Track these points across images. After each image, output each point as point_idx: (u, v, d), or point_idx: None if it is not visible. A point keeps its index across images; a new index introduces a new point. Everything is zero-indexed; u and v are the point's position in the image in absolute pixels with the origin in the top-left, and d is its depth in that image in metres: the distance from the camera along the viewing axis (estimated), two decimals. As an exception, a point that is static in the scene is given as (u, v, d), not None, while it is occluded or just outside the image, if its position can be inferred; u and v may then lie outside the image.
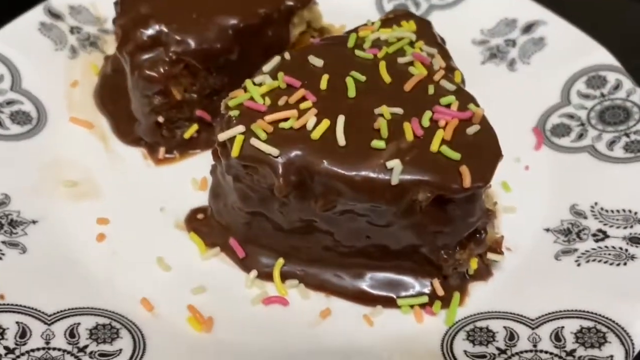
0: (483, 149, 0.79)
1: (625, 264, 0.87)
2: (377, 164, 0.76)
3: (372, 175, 0.75)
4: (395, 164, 0.75)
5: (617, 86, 1.10)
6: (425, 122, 0.80)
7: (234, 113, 0.80)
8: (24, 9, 1.17)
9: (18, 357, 0.73)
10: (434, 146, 0.77)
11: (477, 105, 0.84)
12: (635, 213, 0.93)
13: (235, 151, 0.77)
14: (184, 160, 1.05)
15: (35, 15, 1.17)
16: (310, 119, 0.78)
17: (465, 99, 0.85)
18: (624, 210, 0.95)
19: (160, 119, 1.01)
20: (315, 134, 0.78)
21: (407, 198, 0.76)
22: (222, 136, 0.78)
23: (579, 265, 0.89)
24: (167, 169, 1.03)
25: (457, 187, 0.75)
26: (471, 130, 0.80)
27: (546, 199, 1.00)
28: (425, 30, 0.98)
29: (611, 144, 1.04)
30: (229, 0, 1.01)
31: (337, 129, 0.78)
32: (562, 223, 0.96)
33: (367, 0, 1.32)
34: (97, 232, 0.93)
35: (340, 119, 0.79)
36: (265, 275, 0.89)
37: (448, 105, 0.83)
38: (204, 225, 0.93)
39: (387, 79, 0.86)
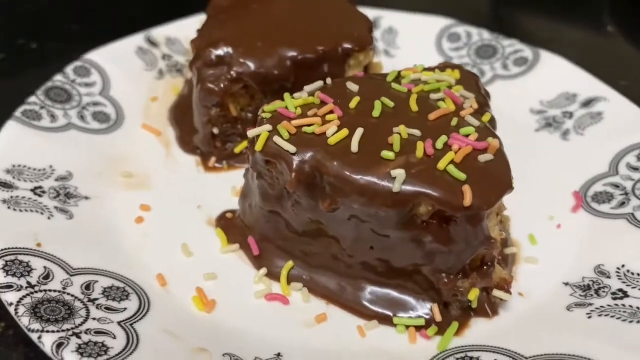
0: (491, 176, 0.81)
1: (638, 322, 0.83)
2: (382, 171, 0.80)
3: (375, 180, 0.80)
4: (399, 173, 0.79)
5: (668, 162, 1.08)
6: (439, 145, 0.84)
7: (266, 115, 0.89)
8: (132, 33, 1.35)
9: (36, 292, 0.82)
10: (442, 165, 0.81)
11: (496, 137, 0.87)
12: (662, 278, 0.90)
13: (259, 145, 0.85)
14: (230, 171, 1.14)
15: (135, 40, 1.35)
16: (331, 128, 0.85)
17: (486, 133, 0.88)
18: (650, 275, 0.91)
19: (216, 131, 1.13)
20: (332, 140, 0.84)
21: (407, 208, 0.80)
22: (251, 132, 0.87)
23: (589, 317, 0.86)
24: (213, 175, 1.13)
25: (457, 204, 0.78)
26: (483, 157, 0.83)
27: (571, 256, 0.99)
28: (469, 80, 1.03)
29: (652, 214, 1.01)
30: (294, 35, 1.12)
31: (353, 138, 0.84)
32: (583, 279, 0.94)
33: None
34: (137, 215, 1.03)
35: (359, 131, 0.85)
36: (274, 275, 0.94)
37: (467, 135, 0.86)
38: (230, 223, 1.01)
39: (414, 107, 0.91)
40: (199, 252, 0.98)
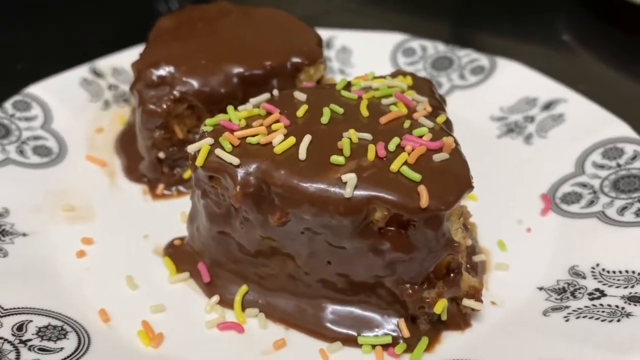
0: (449, 175, 0.76)
1: (619, 320, 0.78)
2: (333, 177, 0.75)
3: (326, 187, 0.74)
4: (350, 177, 0.74)
5: (635, 157, 1.05)
6: (392, 147, 0.79)
7: (207, 128, 0.83)
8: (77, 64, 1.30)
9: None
10: (395, 166, 0.76)
11: (450, 136, 0.82)
12: (639, 274, 0.85)
13: (200, 160, 0.79)
14: (180, 198, 1.08)
15: (79, 72, 1.29)
16: (277, 137, 0.80)
17: (440, 133, 0.84)
18: (626, 271, 0.87)
19: (162, 155, 1.06)
20: (278, 149, 0.79)
21: (362, 214, 0.74)
22: (192, 147, 0.81)
23: (567, 320, 0.81)
24: (162, 204, 1.07)
25: (413, 207, 0.73)
26: (438, 157, 0.78)
27: (544, 260, 0.94)
28: (422, 86, 0.99)
29: (622, 210, 0.98)
30: (240, 52, 1.08)
31: (300, 145, 0.78)
32: (557, 282, 0.89)
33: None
34: (79, 249, 0.95)
35: (306, 138, 0.80)
36: (227, 302, 0.87)
37: (420, 136, 0.82)
38: (178, 251, 0.94)
39: (365, 113, 0.87)
40: (145, 284, 0.91)
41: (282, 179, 0.76)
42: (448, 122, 0.91)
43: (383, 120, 0.85)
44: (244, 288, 0.86)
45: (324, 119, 0.84)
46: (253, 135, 0.81)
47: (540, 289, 0.89)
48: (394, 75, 1.01)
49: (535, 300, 0.87)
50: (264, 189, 0.77)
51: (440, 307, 0.79)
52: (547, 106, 1.22)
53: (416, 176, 0.74)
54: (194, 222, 0.91)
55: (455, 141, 0.81)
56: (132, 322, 0.84)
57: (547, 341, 0.78)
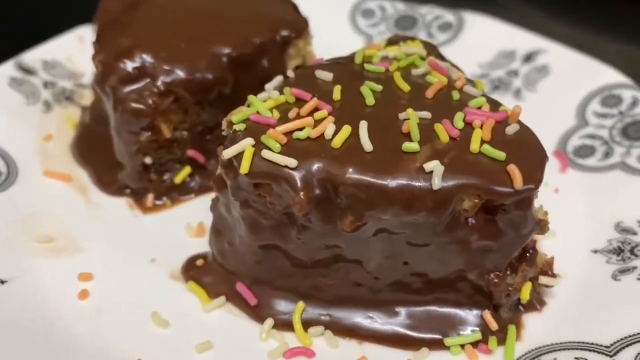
0: (527, 148, 0.69)
1: (695, 273, 0.76)
2: (413, 167, 0.65)
3: (409, 181, 0.64)
4: (434, 165, 0.64)
5: (634, 102, 1.04)
6: (459, 124, 0.70)
7: (240, 127, 0.69)
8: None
9: None
10: (474, 146, 0.67)
11: (508, 107, 0.75)
12: (688, 219, 0.83)
13: (244, 167, 0.66)
14: (176, 207, 0.92)
15: (5, 70, 1.07)
16: (328, 127, 0.68)
17: (494, 102, 0.76)
18: (675, 219, 0.85)
19: (148, 160, 0.90)
20: (336, 142, 0.67)
21: (451, 206, 0.65)
22: (229, 152, 0.67)
23: (642, 281, 0.77)
24: (157, 217, 0.91)
25: (507, 190, 0.65)
26: (511, 129, 0.71)
27: (586, 220, 0.90)
28: (432, 50, 0.91)
29: (643, 157, 0.96)
30: (220, 29, 0.93)
31: (360, 134, 0.67)
32: (610, 243, 0.86)
33: (358, 44, 1.27)
34: (79, 289, 0.78)
35: (363, 125, 0.68)
36: (284, 324, 0.75)
37: (479, 107, 0.73)
38: (204, 272, 0.80)
39: (405, 87, 0.77)
40: (176, 319, 0.76)
41: (353, 177, 0.64)
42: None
43: (429, 93, 0.76)
44: (300, 305, 0.75)
45: (369, 100, 0.73)
46: (299, 129, 0.68)
47: (595, 251, 0.85)
48: (398, 39, 0.92)
49: (596, 265, 0.83)
50: (330, 191, 0.65)
51: (527, 290, 0.72)
52: (528, 58, 1.19)
53: (501, 154, 0.66)
54: (222, 236, 0.77)
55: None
56: (179, 369, 0.69)
57: (631, 308, 0.74)
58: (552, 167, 1.00)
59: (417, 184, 0.64)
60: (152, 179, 0.92)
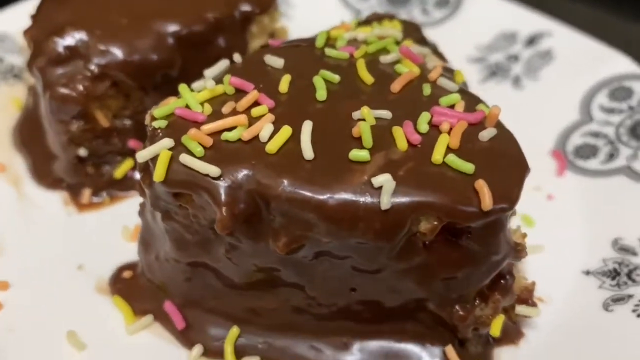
0: (503, 159, 0.59)
1: (702, 309, 0.65)
2: (359, 181, 0.54)
3: (353, 197, 0.53)
4: (384, 180, 0.53)
5: (647, 96, 0.92)
6: (423, 127, 0.59)
7: (160, 124, 0.59)
8: None
9: None
10: (437, 156, 0.56)
11: (487, 106, 0.63)
12: (699, 242, 0.72)
13: (159, 174, 0.55)
14: (115, 205, 0.84)
15: (-55, 44, 0.97)
16: (264, 127, 0.57)
17: (472, 99, 0.65)
18: (683, 240, 0.73)
19: (83, 153, 0.82)
20: (272, 147, 0.56)
21: (404, 229, 0.54)
22: (142, 155, 0.57)
23: (639, 315, 0.66)
24: (92, 216, 0.83)
25: (473, 211, 0.54)
26: (485, 135, 0.59)
27: (580, 234, 0.81)
28: (413, 32, 0.80)
29: (652, 163, 0.84)
30: (169, 3, 0.83)
31: (302, 138, 0.56)
32: (605, 263, 0.77)
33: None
34: (-7, 301, 0.70)
35: (307, 126, 0.58)
36: (214, 352, 0.66)
37: (451, 106, 0.62)
38: (131, 286, 0.71)
39: (368, 79, 0.66)
40: (95, 340, 0.68)
41: (287, 191, 0.54)
42: (465, 80, 0.72)
43: (395, 86, 0.65)
44: (234, 330, 0.65)
45: (320, 94, 0.62)
46: (230, 129, 0.57)
47: (587, 273, 0.75)
48: (374, 19, 0.81)
49: (587, 289, 0.73)
50: (261, 206, 0.55)
51: (498, 325, 0.62)
52: (531, 41, 1.09)
53: (469, 167, 0.56)
54: (149, 248, 0.68)
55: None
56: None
57: (622, 347, 0.64)
58: (548, 169, 0.91)
59: (363, 201, 0.53)
60: (89, 172, 0.84)
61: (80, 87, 0.76)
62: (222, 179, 0.55)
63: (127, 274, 0.72)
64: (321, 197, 0.54)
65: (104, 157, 0.84)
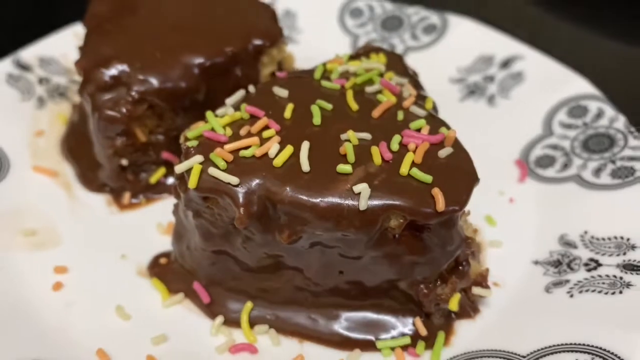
0: (457, 172, 0.74)
1: (620, 292, 0.81)
2: (343, 189, 0.71)
3: (338, 200, 0.70)
4: (362, 187, 0.70)
5: (599, 114, 1.07)
6: (394, 146, 0.75)
7: (192, 143, 0.76)
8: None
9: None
10: (404, 169, 0.72)
11: (448, 128, 0.80)
12: (628, 239, 0.88)
13: (192, 182, 0.72)
14: (150, 205, 1.00)
15: (2, 67, 1.14)
16: (272, 146, 0.74)
17: (436, 123, 0.81)
18: (615, 237, 0.89)
19: (125, 162, 0.97)
20: (278, 161, 0.73)
21: (378, 225, 0.71)
22: (179, 167, 0.74)
23: (571, 296, 0.83)
24: (132, 214, 0.98)
25: (430, 212, 0.70)
26: (443, 152, 0.76)
27: (533, 231, 0.95)
28: (395, 63, 0.96)
29: (597, 172, 0.99)
30: (195, 39, 0.99)
31: (301, 155, 0.73)
32: (551, 254, 0.90)
33: (344, 45, 1.31)
34: (54, 281, 0.87)
35: (305, 145, 0.74)
36: (233, 322, 0.82)
37: (418, 130, 0.78)
38: (166, 270, 0.87)
39: (354, 106, 0.82)
40: (137, 313, 0.84)
41: (289, 196, 0.71)
42: (434, 105, 0.88)
43: (375, 113, 0.81)
44: (248, 305, 0.82)
45: (316, 120, 0.79)
46: (245, 148, 0.74)
47: (536, 262, 0.90)
48: (366, 53, 0.97)
49: (534, 276, 0.88)
50: (269, 207, 0.72)
51: (455, 301, 0.78)
52: (505, 64, 1.22)
53: (427, 178, 0.72)
54: (181, 240, 0.85)
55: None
56: (135, 358, 0.77)
57: (558, 322, 0.79)
58: (511, 176, 1.04)
59: (346, 203, 0.70)
60: (129, 178, 0.99)
61: (124, 110, 0.93)
62: (240, 186, 0.72)
63: (162, 260, 0.89)
64: (315, 200, 0.70)
65: (141, 166, 0.99)
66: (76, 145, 1.07)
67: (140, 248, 0.91)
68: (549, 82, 1.14)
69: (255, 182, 0.71)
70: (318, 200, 0.70)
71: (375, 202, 0.70)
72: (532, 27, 1.30)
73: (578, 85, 1.11)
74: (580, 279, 0.85)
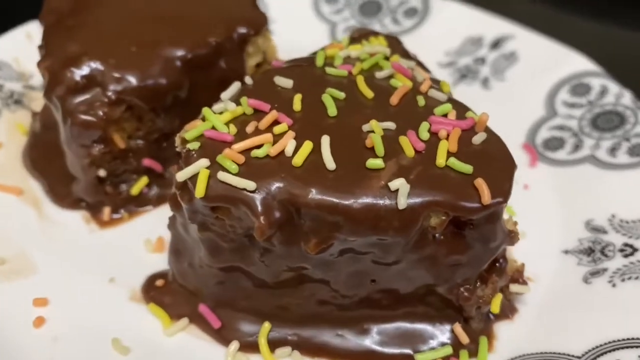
0: (494, 159, 0.67)
1: (667, 278, 0.75)
2: (377, 186, 0.62)
3: (373, 200, 0.61)
4: (400, 184, 0.61)
5: (603, 91, 1.02)
6: (424, 135, 0.67)
7: (194, 146, 0.65)
8: None
9: None
10: (440, 160, 0.64)
11: (475, 113, 0.72)
12: (660, 219, 0.82)
13: (199, 190, 0.62)
14: (134, 220, 0.88)
15: (-55, 74, 1.00)
16: (288, 143, 0.64)
17: (461, 107, 0.73)
18: (646, 219, 0.84)
19: (102, 173, 0.86)
20: (297, 160, 0.63)
21: (418, 224, 0.62)
22: (182, 175, 0.63)
23: (614, 285, 0.77)
24: (114, 232, 0.87)
25: (476, 206, 0.62)
26: (477, 139, 0.68)
27: (557, 219, 0.89)
28: (396, 46, 0.88)
29: (612, 151, 0.95)
30: (174, 30, 0.88)
31: (322, 151, 0.64)
32: (580, 242, 0.85)
33: (322, 34, 1.23)
34: (35, 316, 0.75)
35: (325, 140, 0.65)
36: (250, 346, 0.72)
37: (445, 115, 0.70)
38: (165, 293, 0.77)
39: (368, 94, 0.73)
40: (137, 344, 0.73)
41: (316, 198, 0.61)
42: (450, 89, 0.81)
43: (394, 100, 0.73)
44: (266, 326, 0.72)
45: (331, 111, 0.70)
46: (258, 146, 0.65)
47: (566, 252, 0.84)
48: (360, 37, 0.89)
49: (567, 266, 0.82)
50: (293, 213, 0.62)
51: (497, 302, 0.71)
52: (495, 44, 1.16)
53: (468, 168, 0.64)
54: (181, 257, 0.74)
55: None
56: (142, 400, 0.67)
57: (605, 316, 0.73)
58: (521, 161, 0.98)
59: (383, 203, 0.61)
60: (107, 191, 0.88)
61: (100, 113, 0.81)
62: (257, 191, 0.62)
63: (159, 282, 0.78)
64: (346, 202, 0.61)
65: (120, 176, 0.88)
66: (42, 157, 0.94)
67: (130, 269, 0.81)
68: (546, 61, 1.09)
69: (274, 185, 0.62)
70: (351, 201, 0.61)
71: (415, 200, 0.62)
72: (521, 17, 1.24)
73: (577, 62, 1.07)
74: (619, 266, 0.79)
